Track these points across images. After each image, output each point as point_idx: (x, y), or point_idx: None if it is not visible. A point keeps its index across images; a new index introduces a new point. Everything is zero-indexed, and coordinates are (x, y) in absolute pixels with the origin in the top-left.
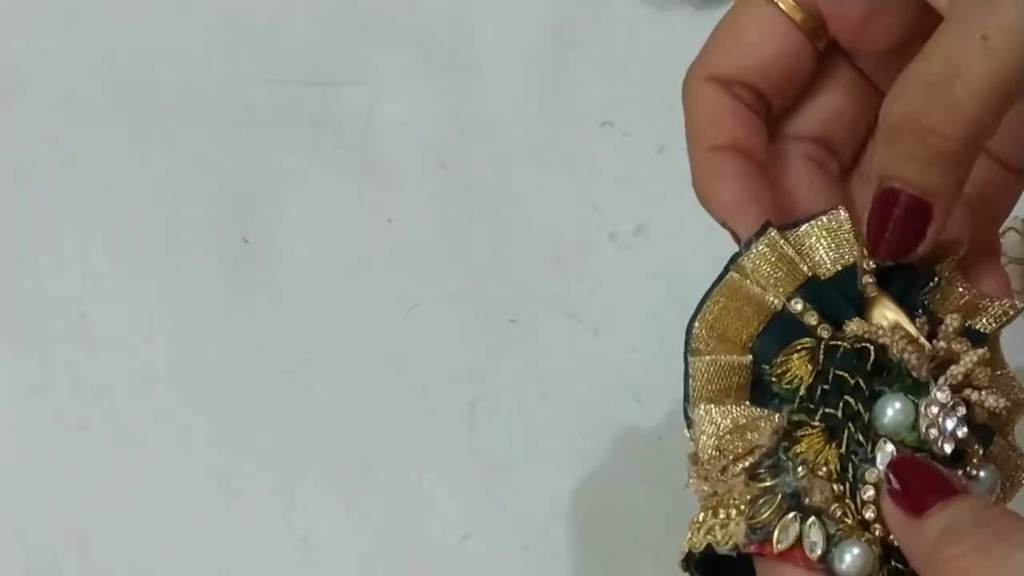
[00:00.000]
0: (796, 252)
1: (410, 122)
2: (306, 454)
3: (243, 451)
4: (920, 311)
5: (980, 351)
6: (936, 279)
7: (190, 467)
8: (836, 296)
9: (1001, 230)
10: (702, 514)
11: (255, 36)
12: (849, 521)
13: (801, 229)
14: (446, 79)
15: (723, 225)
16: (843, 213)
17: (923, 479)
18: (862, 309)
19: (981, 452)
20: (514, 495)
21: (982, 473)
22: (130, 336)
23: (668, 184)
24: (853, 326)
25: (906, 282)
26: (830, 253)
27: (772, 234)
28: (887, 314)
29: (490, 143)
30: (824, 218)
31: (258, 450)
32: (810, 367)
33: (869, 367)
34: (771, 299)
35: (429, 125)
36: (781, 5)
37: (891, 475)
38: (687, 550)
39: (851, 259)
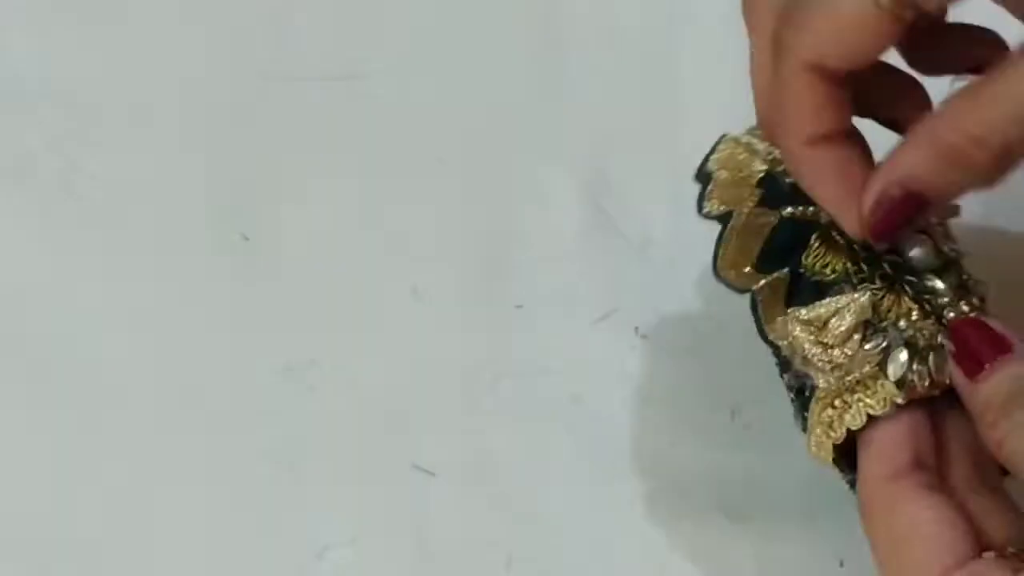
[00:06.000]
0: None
1: (410, 122)
2: (306, 454)
3: (243, 451)
4: None
5: None
6: None
7: (190, 467)
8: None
9: None
10: (836, 401)
11: (255, 35)
12: None
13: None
14: (445, 78)
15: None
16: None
17: (977, 339)
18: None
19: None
20: (514, 495)
21: None
22: (130, 335)
23: (667, 183)
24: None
25: None
26: (751, 163)
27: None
28: None
29: (490, 143)
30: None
31: (258, 450)
32: (835, 245)
33: None
34: (768, 219)
35: (429, 125)
36: None
37: (950, 338)
38: (842, 435)
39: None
